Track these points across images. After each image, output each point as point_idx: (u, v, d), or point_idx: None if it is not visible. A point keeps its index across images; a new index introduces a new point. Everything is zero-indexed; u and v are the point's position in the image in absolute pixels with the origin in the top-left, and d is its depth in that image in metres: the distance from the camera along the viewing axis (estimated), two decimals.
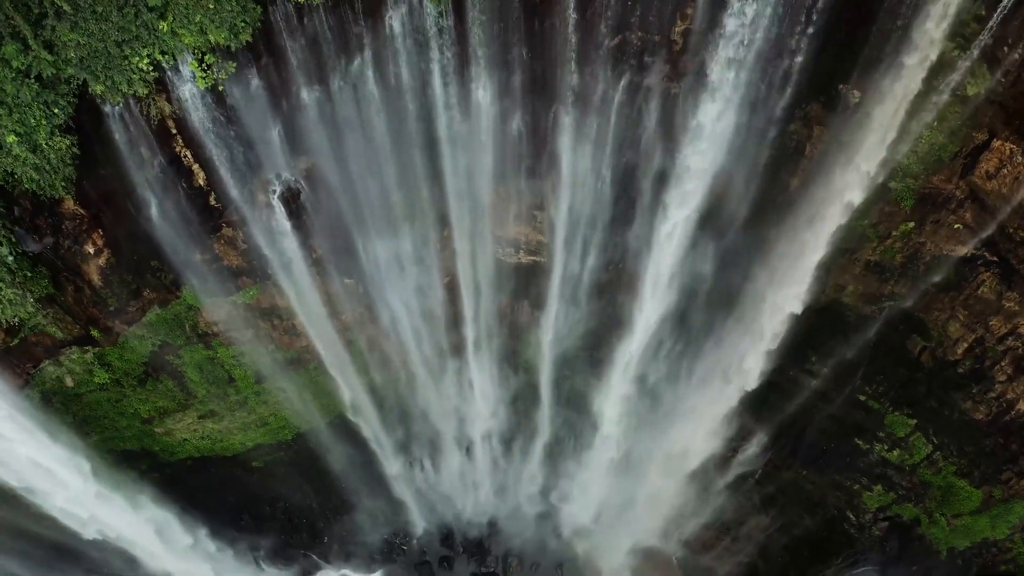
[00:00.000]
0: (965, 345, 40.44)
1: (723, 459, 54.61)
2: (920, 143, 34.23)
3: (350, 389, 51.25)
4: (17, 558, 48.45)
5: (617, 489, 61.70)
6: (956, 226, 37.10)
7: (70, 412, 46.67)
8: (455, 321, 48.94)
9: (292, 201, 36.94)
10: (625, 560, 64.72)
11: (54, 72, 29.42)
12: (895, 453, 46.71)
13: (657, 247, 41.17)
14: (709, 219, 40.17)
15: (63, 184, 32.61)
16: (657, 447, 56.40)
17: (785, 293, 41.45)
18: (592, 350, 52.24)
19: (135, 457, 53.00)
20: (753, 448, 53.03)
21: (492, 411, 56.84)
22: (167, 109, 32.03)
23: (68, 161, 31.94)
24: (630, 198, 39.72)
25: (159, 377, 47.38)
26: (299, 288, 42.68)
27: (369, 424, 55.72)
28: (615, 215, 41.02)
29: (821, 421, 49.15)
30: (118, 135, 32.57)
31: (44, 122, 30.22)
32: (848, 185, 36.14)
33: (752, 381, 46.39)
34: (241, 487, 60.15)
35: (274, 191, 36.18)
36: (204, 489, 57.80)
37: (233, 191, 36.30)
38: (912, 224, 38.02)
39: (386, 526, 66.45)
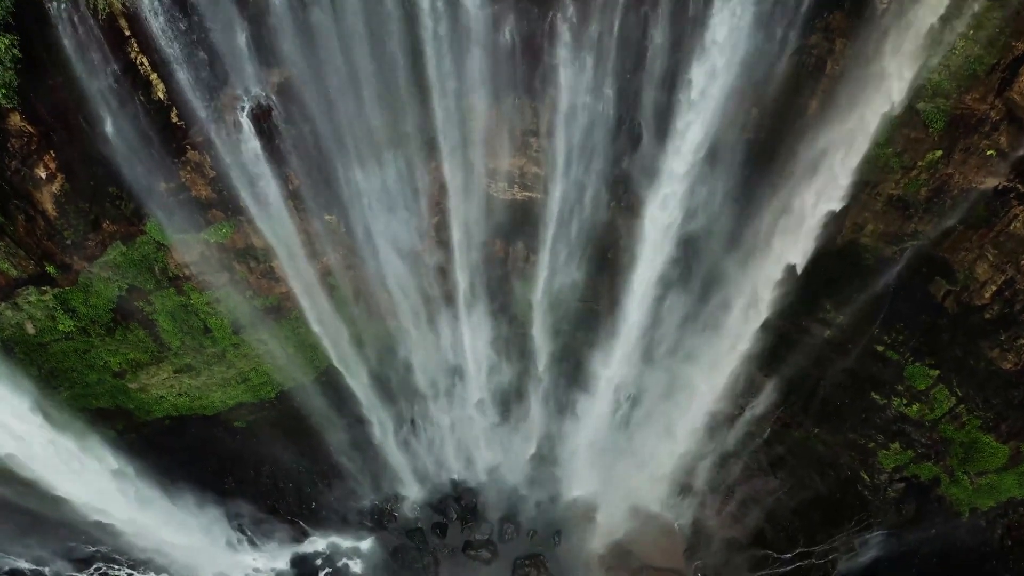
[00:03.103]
0: (993, 288, 37.60)
1: (729, 418, 51.71)
2: (953, 55, 31.38)
3: (334, 341, 48.13)
4: None
5: (617, 451, 58.88)
6: (989, 152, 34.18)
7: (35, 364, 43.71)
8: (445, 265, 45.84)
9: (263, 120, 33.70)
10: (625, 526, 61.99)
11: None
12: (914, 408, 43.87)
13: (663, 180, 37.98)
14: (719, 148, 37.04)
15: (4, 91, 29.37)
16: (660, 404, 53.50)
17: (798, 231, 38.37)
18: (591, 300, 49.24)
19: (109, 416, 50.07)
20: (761, 406, 50.18)
21: (485, 366, 53.84)
22: (117, 4, 28.69)
23: (9, 64, 28.75)
24: (634, 121, 36.46)
25: (129, 326, 44.34)
26: (275, 225, 39.58)
27: (356, 381, 52.78)
28: (617, 142, 37.80)
29: (835, 375, 46.41)
30: (66, 38, 29.35)
31: None
32: (872, 107, 33.07)
33: (755, 335, 43.72)
34: (223, 449, 57.33)
35: (242, 108, 32.92)
36: (184, 451, 55.00)
37: (197, 107, 33.09)
38: (940, 153, 35.17)
39: (377, 492, 63.58)
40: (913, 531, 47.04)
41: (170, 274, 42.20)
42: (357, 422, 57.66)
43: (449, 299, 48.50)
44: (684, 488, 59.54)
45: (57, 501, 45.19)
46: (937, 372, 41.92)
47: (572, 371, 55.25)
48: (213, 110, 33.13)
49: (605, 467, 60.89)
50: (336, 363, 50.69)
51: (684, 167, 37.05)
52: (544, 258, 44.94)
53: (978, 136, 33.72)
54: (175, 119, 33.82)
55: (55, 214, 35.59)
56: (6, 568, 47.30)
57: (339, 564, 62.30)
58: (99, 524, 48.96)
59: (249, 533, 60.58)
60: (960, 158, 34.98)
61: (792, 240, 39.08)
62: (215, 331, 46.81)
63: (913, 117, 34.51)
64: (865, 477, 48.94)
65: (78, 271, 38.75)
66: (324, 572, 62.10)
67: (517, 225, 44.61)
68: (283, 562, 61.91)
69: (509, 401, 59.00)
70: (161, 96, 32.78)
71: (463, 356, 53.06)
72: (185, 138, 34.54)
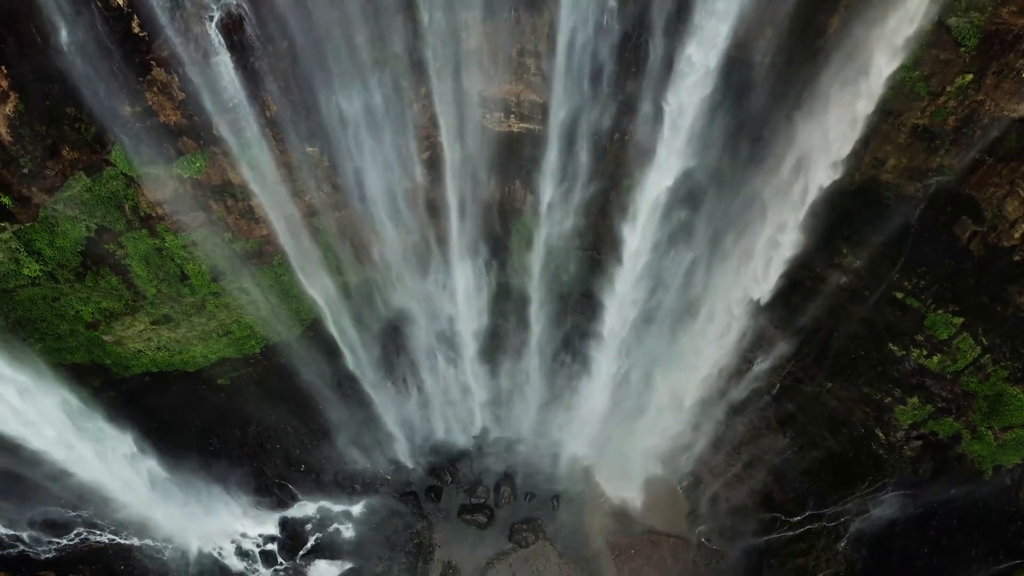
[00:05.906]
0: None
1: (736, 372, 49.14)
2: None
3: (319, 289, 45.39)
4: None
5: (618, 412, 56.43)
6: None
7: (1, 312, 41.05)
8: (437, 206, 43.01)
9: (234, 32, 30.69)
10: (625, 490, 59.78)
11: None
12: (935, 359, 41.47)
13: (670, 109, 35.09)
14: (731, 72, 34.16)
15: None
16: (662, 362, 50.93)
17: (819, 165, 35.58)
18: (592, 247, 46.51)
19: (86, 372, 47.56)
20: (771, 359, 47.66)
21: (480, 318, 51.20)
22: None
23: None
24: (640, 39, 33.51)
25: (100, 271, 41.73)
26: (252, 156, 36.80)
27: (343, 335, 50.16)
28: (622, 65, 34.88)
29: (850, 325, 44.11)
30: None
31: None
32: (897, 25, 30.24)
33: (766, 291, 41.34)
34: (208, 408, 55.14)
35: (211, 17, 29.93)
36: (166, 410, 52.62)
37: (160, 15, 30.05)
38: (970, 77, 32.75)
39: (368, 454, 61.33)
40: (931, 491, 44.87)
41: (142, 213, 39.48)
42: (347, 380, 55.30)
43: (442, 244, 45.76)
44: (687, 450, 57.18)
45: (35, 462, 43.01)
46: (961, 320, 39.57)
47: (572, 326, 52.66)
48: (178, 19, 30.14)
49: (606, 428, 58.56)
50: (321, 314, 48.02)
51: (693, 95, 34.13)
52: (543, 199, 42.18)
53: (1014, 55, 31.22)
54: (136, 29, 30.81)
55: (10, 138, 32.78)
56: None
57: (330, 529, 60.34)
58: (81, 487, 46.67)
59: (235, 497, 58.40)
60: (992, 82, 32.56)
61: (810, 176, 36.34)
62: (193, 278, 44.16)
63: (943, 36, 32.03)
64: (880, 434, 46.66)
65: (38, 205, 35.97)
66: (314, 537, 60.15)
67: (514, 161, 41.84)
68: (271, 527, 59.94)
69: (506, 357, 56.51)
70: (120, 2, 29.79)
71: (457, 308, 50.46)
72: (149, 52, 31.56)
